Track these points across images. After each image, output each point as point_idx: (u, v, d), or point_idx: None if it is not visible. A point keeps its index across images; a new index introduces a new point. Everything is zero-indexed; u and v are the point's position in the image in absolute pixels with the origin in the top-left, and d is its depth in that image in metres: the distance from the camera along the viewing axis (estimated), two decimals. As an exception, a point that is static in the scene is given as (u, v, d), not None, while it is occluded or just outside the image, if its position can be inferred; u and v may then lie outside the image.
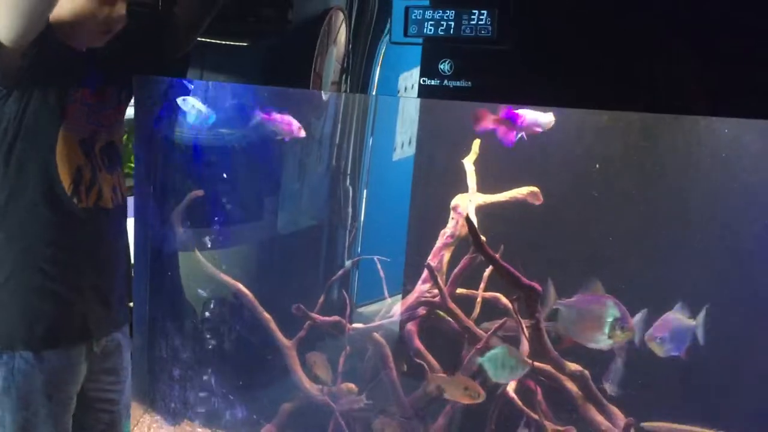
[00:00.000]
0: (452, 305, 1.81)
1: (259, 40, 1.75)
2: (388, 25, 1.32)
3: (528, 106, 1.40)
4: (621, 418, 1.63)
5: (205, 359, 2.22)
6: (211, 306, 2.25)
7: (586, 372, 1.68)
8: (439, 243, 1.89)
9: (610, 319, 1.43)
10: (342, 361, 2.00)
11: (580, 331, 1.48)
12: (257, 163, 2.22)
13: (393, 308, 1.97)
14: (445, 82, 1.22)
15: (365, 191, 2.28)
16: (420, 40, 1.25)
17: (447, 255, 1.88)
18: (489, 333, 1.75)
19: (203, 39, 1.75)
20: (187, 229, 2.15)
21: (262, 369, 2.20)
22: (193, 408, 2.23)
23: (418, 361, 1.88)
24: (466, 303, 1.84)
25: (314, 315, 2.00)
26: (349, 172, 2.27)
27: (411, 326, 1.91)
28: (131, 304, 2.05)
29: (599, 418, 1.66)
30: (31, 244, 1.58)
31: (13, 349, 1.59)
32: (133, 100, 1.83)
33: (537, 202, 1.72)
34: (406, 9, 1.25)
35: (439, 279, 1.81)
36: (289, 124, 1.93)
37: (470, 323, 1.80)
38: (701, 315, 1.46)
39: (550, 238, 1.72)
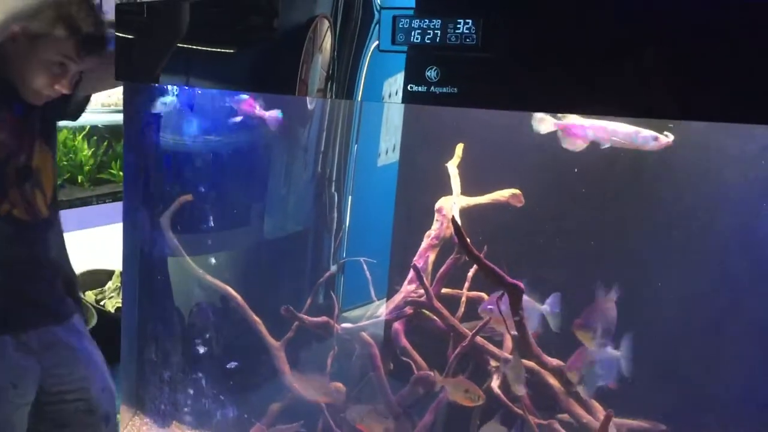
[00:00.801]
0: (438, 304, 1.85)
1: (245, 48, 1.78)
2: (373, 33, 1.36)
3: (516, 111, 1.44)
4: (601, 412, 1.69)
5: (194, 361, 2.24)
6: (201, 309, 2.27)
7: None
8: (424, 244, 1.94)
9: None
10: (330, 362, 2.04)
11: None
12: (245, 169, 2.26)
13: (380, 309, 2.01)
14: (432, 88, 1.25)
15: (350, 197, 2.32)
16: (407, 48, 1.29)
17: (432, 256, 1.93)
18: (473, 332, 1.80)
19: (187, 45, 1.78)
20: (176, 233, 2.17)
21: (252, 370, 2.23)
22: (182, 410, 2.25)
23: (404, 359, 1.92)
24: (452, 302, 1.89)
25: (303, 316, 2.03)
26: (334, 178, 2.30)
27: (398, 325, 1.96)
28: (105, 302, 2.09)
29: (580, 411, 1.72)
30: None
31: None
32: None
33: (519, 204, 1.77)
34: (394, 18, 1.30)
35: (424, 279, 1.86)
36: (253, 107, 1.99)
37: (455, 321, 1.85)
38: (624, 345, 1.53)
39: (531, 237, 1.77)
